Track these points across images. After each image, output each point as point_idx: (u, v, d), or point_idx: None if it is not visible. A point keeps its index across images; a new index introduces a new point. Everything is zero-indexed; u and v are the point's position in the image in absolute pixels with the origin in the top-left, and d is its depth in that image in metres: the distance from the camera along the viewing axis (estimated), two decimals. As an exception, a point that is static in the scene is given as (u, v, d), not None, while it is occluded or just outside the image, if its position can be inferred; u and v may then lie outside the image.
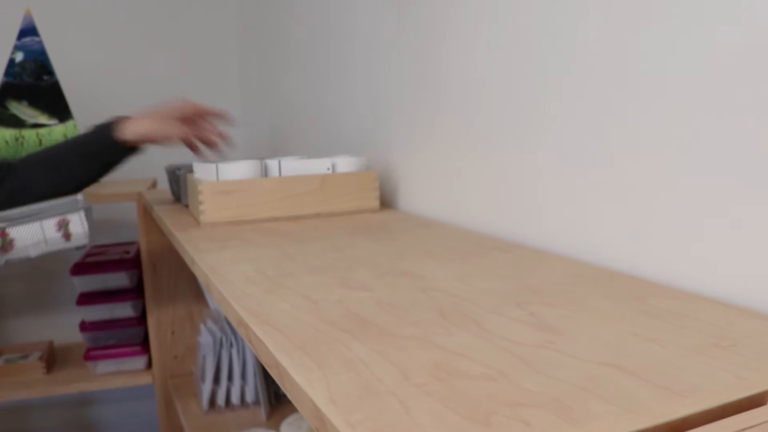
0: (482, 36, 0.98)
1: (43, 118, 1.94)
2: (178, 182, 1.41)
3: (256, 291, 0.69)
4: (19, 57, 1.93)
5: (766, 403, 0.41)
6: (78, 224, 1.16)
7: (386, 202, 1.34)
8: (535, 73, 0.88)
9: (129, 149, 1.25)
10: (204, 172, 1.18)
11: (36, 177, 1.09)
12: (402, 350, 0.50)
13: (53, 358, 2.11)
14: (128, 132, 1.23)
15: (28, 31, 1.95)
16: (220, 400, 1.55)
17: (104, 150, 1.21)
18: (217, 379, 1.55)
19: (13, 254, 1.13)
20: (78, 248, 1.18)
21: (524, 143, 0.91)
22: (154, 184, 2.10)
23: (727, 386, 0.42)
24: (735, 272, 0.63)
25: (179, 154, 2.43)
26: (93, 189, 1.86)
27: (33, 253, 1.14)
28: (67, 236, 1.16)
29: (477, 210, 1.03)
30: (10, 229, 1.11)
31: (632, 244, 0.74)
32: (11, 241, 1.12)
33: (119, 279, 1.92)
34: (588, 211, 0.81)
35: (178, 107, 1.29)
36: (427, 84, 1.15)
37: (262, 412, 1.54)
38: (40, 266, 2.32)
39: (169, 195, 1.59)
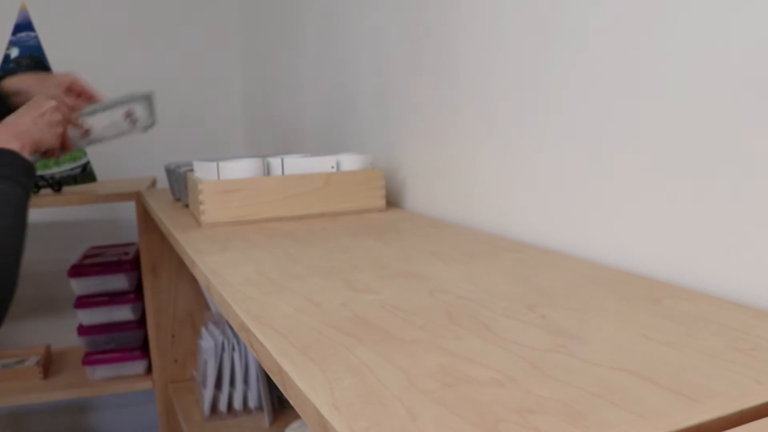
0: (494, 30, 0.98)
1: (39, 116, 1.94)
2: (178, 181, 1.41)
3: (258, 294, 0.69)
4: (14, 53, 1.93)
5: (785, 409, 0.41)
6: (141, 111, 1.41)
7: (392, 201, 1.34)
8: (549, 69, 0.88)
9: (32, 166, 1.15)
10: (204, 170, 1.19)
11: None
12: (408, 355, 0.50)
13: (50, 363, 2.12)
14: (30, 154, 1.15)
15: (24, 26, 1.95)
16: (222, 405, 1.55)
17: (25, 178, 1.09)
18: (219, 384, 1.56)
19: (93, 138, 1.40)
20: (145, 129, 1.44)
21: (535, 141, 0.91)
22: (153, 183, 2.10)
23: (745, 391, 0.42)
24: (754, 273, 0.63)
25: (180, 153, 2.44)
26: (90, 188, 1.87)
27: (109, 134, 1.40)
28: (133, 122, 1.41)
29: (486, 209, 1.03)
30: (83, 119, 1.37)
31: (647, 244, 0.74)
32: (88, 129, 1.38)
33: (118, 281, 1.93)
34: (600, 211, 0.81)
35: (51, 102, 1.22)
36: (434, 79, 1.15)
37: (265, 418, 1.54)
38: (37, 269, 2.33)
39: (168, 194, 1.60)
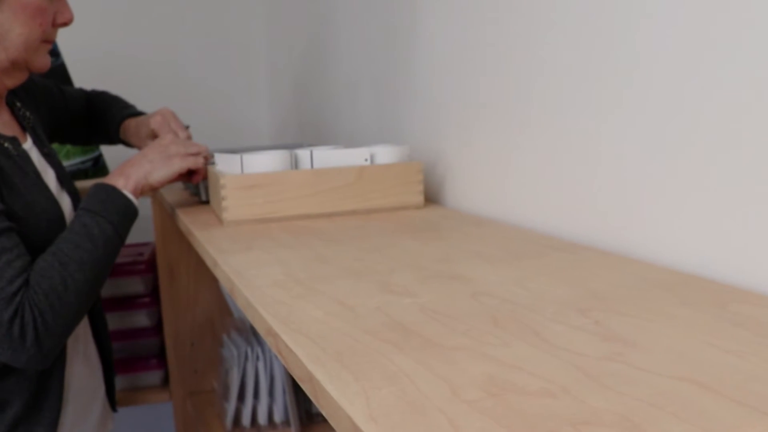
0: (545, 11, 0.98)
1: (48, 105, 1.97)
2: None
3: (286, 297, 0.70)
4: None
5: None
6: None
7: (431, 197, 1.34)
8: (603, 55, 0.88)
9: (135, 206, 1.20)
10: (227, 164, 1.20)
11: (74, 290, 1.02)
12: (451, 363, 0.51)
13: (61, 373, 2.14)
14: (136, 190, 1.20)
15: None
16: (246, 419, 1.57)
17: (116, 215, 1.14)
18: (242, 396, 1.57)
19: None
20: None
21: (588, 132, 0.91)
22: (170, 178, 2.11)
23: (819, 404, 0.42)
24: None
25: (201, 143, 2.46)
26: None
27: None
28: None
29: (534, 206, 1.04)
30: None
31: (711, 243, 0.74)
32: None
33: (132, 284, 1.94)
34: (660, 207, 0.80)
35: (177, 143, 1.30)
36: (478, 63, 1.15)
37: (292, 433, 1.55)
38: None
39: (187, 190, 1.61)
